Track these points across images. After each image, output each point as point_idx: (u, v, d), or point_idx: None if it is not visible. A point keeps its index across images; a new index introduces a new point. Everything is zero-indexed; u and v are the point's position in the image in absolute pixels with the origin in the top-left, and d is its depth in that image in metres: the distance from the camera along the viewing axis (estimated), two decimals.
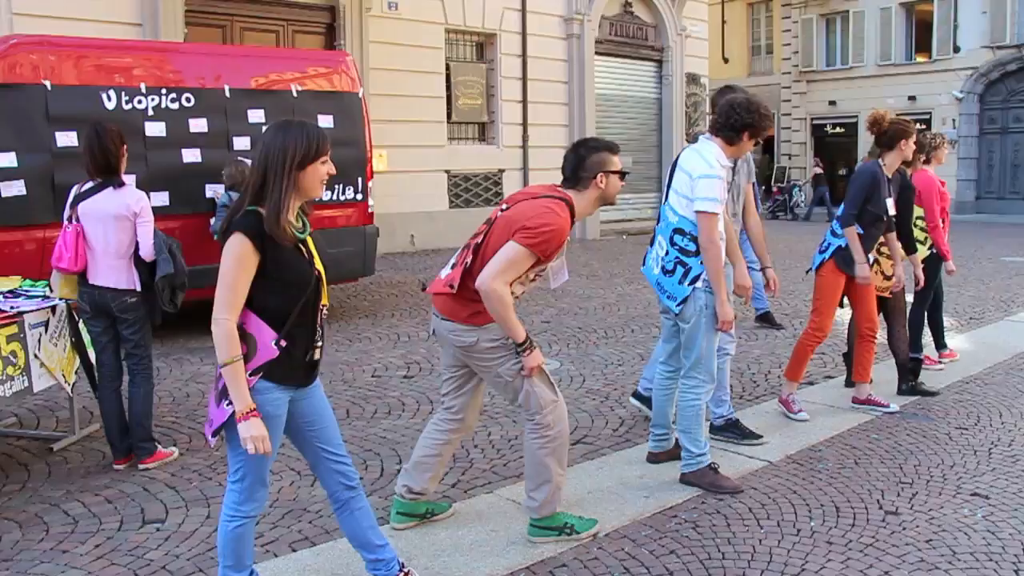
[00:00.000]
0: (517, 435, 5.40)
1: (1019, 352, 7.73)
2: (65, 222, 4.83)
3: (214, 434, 2.94)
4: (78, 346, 5.10)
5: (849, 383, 6.38)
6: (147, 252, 4.78)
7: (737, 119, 4.50)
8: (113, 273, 4.76)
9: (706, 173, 4.37)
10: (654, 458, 4.89)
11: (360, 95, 9.42)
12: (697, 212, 4.36)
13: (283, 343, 2.89)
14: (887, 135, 5.79)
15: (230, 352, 2.81)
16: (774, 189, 27.86)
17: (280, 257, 2.88)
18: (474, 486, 4.60)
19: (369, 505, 3.27)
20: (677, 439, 4.72)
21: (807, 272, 5.86)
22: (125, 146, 4.89)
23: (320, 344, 3.08)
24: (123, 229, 4.74)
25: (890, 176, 5.83)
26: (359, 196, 9.21)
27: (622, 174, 3.84)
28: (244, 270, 2.83)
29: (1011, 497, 4.44)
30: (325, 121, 8.58)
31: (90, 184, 4.82)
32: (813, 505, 4.32)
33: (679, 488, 4.52)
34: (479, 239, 3.69)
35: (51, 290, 5.06)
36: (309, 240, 3.06)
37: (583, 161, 3.78)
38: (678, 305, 4.46)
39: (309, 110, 8.56)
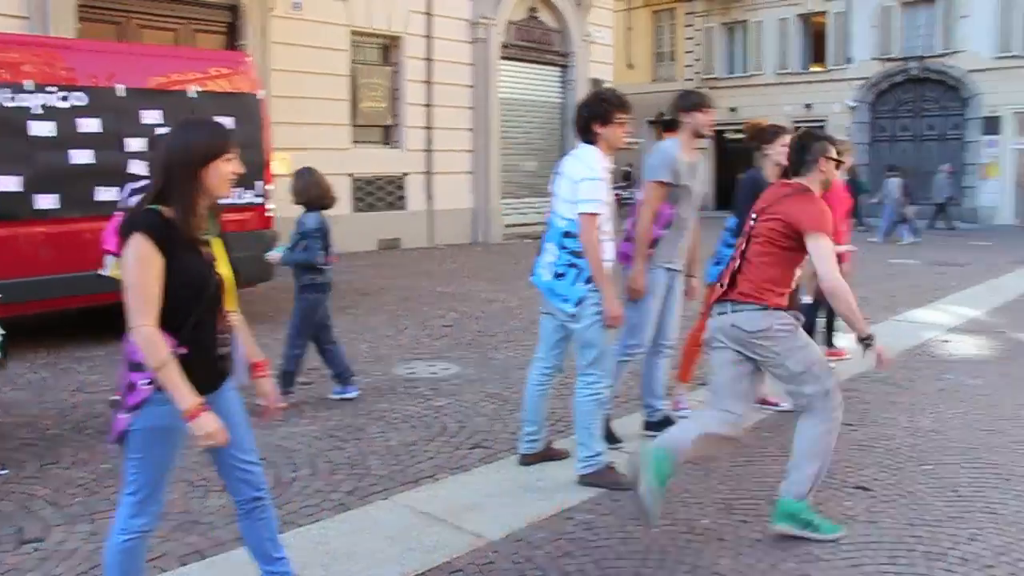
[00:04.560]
0: (416, 440, 5.38)
1: (901, 350, 8.05)
2: None
3: (116, 442, 2.84)
4: None
5: None
6: None
7: (582, 118, 4.63)
8: None
9: (587, 176, 4.47)
10: (525, 460, 4.89)
11: (260, 97, 9.26)
12: (579, 214, 4.44)
13: (183, 350, 2.77)
14: (759, 142, 5.93)
15: (157, 356, 2.68)
16: None
17: (181, 259, 2.75)
18: (371, 492, 4.55)
19: (273, 515, 3.20)
20: (550, 441, 4.76)
21: (706, 285, 5.95)
22: None
23: (226, 349, 2.98)
24: None
25: (773, 181, 5.94)
26: (257, 199, 9.06)
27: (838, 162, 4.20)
28: (150, 270, 2.69)
29: (890, 488, 4.62)
30: (224, 123, 8.39)
31: None
32: (706, 503, 4.42)
33: (577, 490, 4.56)
34: (742, 248, 4.07)
35: None
36: (217, 243, 2.96)
37: (808, 148, 4.08)
38: (574, 306, 4.51)
39: (207, 111, 8.35)
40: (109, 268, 5.76)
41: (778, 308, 3.97)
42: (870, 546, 3.93)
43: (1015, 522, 4.21)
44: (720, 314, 4.06)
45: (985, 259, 16.21)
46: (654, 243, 5.14)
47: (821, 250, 3.84)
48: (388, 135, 17.32)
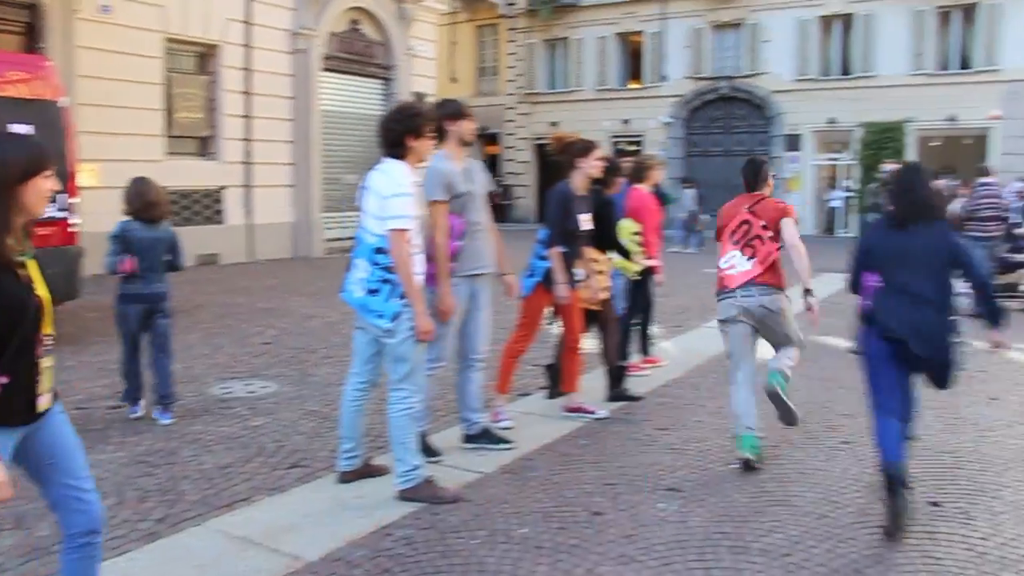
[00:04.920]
0: (231, 462, 5.20)
1: (713, 355, 8.43)
2: None
3: None
4: None
5: (552, 395, 6.66)
6: None
7: (395, 132, 4.58)
8: None
9: (396, 192, 4.45)
10: (344, 478, 4.83)
11: (62, 104, 8.75)
12: (390, 230, 4.42)
13: (3, 379, 2.56)
14: (571, 155, 6.04)
15: None
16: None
17: None
18: (183, 519, 4.36)
19: (100, 556, 2.98)
20: (369, 457, 4.73)
21: (519, 299, 6.04)
22: None
23: (42, 377, 2.73)
24: None
25: (581, 193, 6.11)
26: (60, 214, 8.54)
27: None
28: None
29: (700, 488, 4.83)
30: (21, 132, 7.86)
31: None
32: (524, 512, 4.47)
33: (396, 505, 4.52)
34: (748, 238, 5.33)
35: None
36: (32, 264, 2.74)
37: (760, 170, 5.47)
38: (390, 322, 4.48)
39: (2, 118, 7.81)
40: None
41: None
42: (681, 544, 4.09)
43: (809, 512, 4.49)
44: (746, 296, 5.23)
45: (789, 267, 17.17)
46: (453, 257, 5.14)
47: (792, 226, 5.34)
48: (205, 146, 16.72)
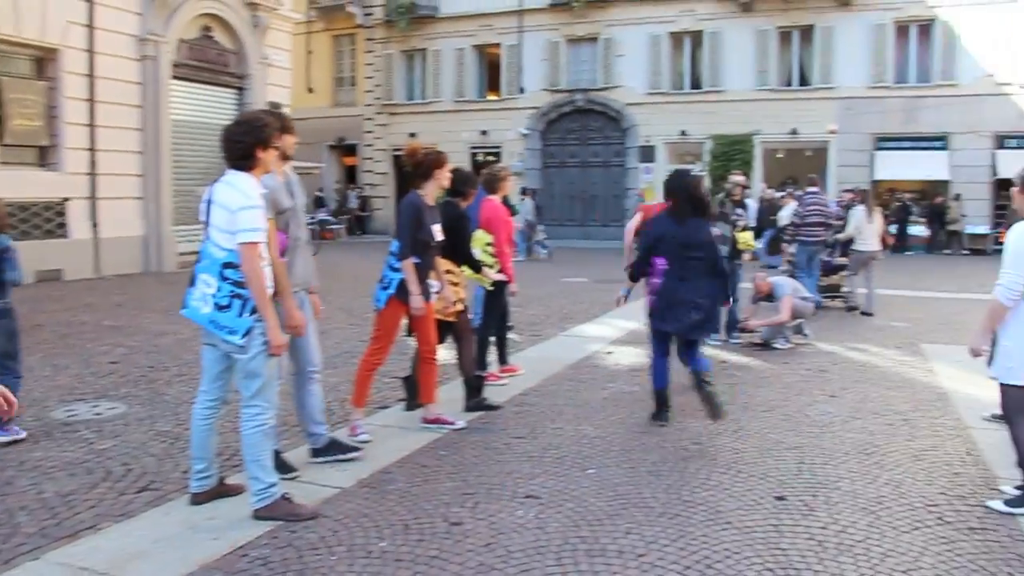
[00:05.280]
0: (75, 489, 4.95)
1: (569, 363, 8.63)
2: None
3: None
4: None
5: (410, 407, 6.66)
6: None
7: (244, 144, 4.47)
8: None
9: (245, 205, 4.35)
10: (197, 499, 4.69)
11: None
12: (241, 244, 4.33)
13: None
14: (423, 166, 6.07)
15: None
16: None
17: None
18: (19, 554, 4.10)
19: None
20: (221, 476, 4.62)
21: (375, 310, 6.00)
22: None
23: None
24: None
25: (432, 204, 6.13)
26: None
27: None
28: None
29: (558, 494, 4.91)
30: None
31: None
32: (383, 526, 4.45)
33: (251, 525, 4.41)
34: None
35: None
36: None
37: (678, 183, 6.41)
38: (242, 338, 4.37)
39: None
40: None
41: None
42: (539, 551, 4.15)
43: (663, 513, 4.64)
44: None
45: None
46: None
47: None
48: (44, 156, 15.87)
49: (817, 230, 12.43)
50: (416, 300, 5.80)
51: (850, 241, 12.87)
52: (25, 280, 6.31)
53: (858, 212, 12.58)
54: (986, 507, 4.79)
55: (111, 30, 16.60)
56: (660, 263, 6.30)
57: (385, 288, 5.92)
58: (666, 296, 6.26)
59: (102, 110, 16.45)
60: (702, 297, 6.21)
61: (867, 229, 12.40)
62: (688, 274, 6.20)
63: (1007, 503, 4.78)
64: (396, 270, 5.88)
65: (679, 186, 6.40)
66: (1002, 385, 4.81)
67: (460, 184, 6.85)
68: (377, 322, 6.01)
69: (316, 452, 5.42)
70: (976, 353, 4.92)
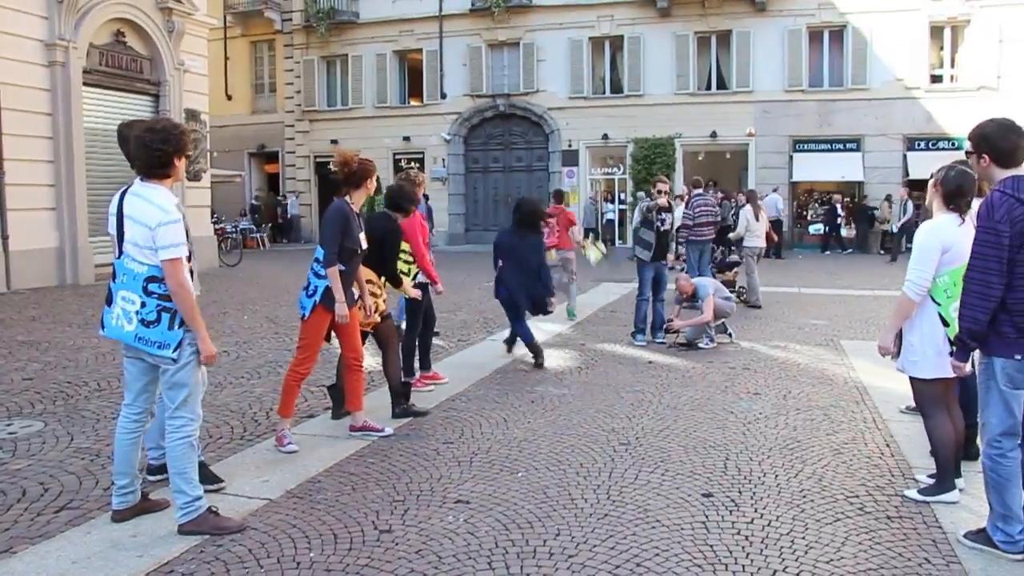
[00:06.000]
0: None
1: (496, 368, 8.64)
2: None
3: None
4: None
5: (336, 415, 6.61)
6: None
7: (162, 152, 4.32)
8: None
9: (164, 220, 4.22)
10: (120, 516, 4.55)
11: None
12: (164, 261, 4.23)
13: None
14: (356, 175, 6.03)
15: None
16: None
17: None
18: None
19: None
20: (144, 492, 4.51)
21: (302, 319, 5.92)
22: None
23: None
24: None
25: (358, 212, 6.10)
26: None
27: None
28: None
29: (488, 499, 4.91)
30: None
31: None
32: (312, 536, 4.38)
33: (176, 540, 4.30)
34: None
35: None
36: None
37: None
38: (174, 351, 4.28)
39: None
40: None
41: None
42: (471, 556, 4.13)
43: (592, 514, 4.66)
44: None
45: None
46: None
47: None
48: None
49: (706, 229, 13.25)
50: (341, 308, 5.75)
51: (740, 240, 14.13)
52: None
53: (746, 211, 13.88)
54: (903, 496, 4.95)
55: (16, 34, 15.99)
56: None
57: (311, 296, 5.85)
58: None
59: (9, 117, 15.85)
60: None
61: (755, 227, 13.71)
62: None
63: (921, 491, 4.94)
64: (321, 277, 5.82)
65: (522, 206, 9.26)
66: (911, 379, 4.97)
67: (403, 200, 6.88)
68: (303, 331, 5.93)
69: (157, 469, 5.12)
70: (885, 351, 5.07)
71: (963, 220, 4.72)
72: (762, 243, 13.94)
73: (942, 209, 4.82)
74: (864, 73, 26.36)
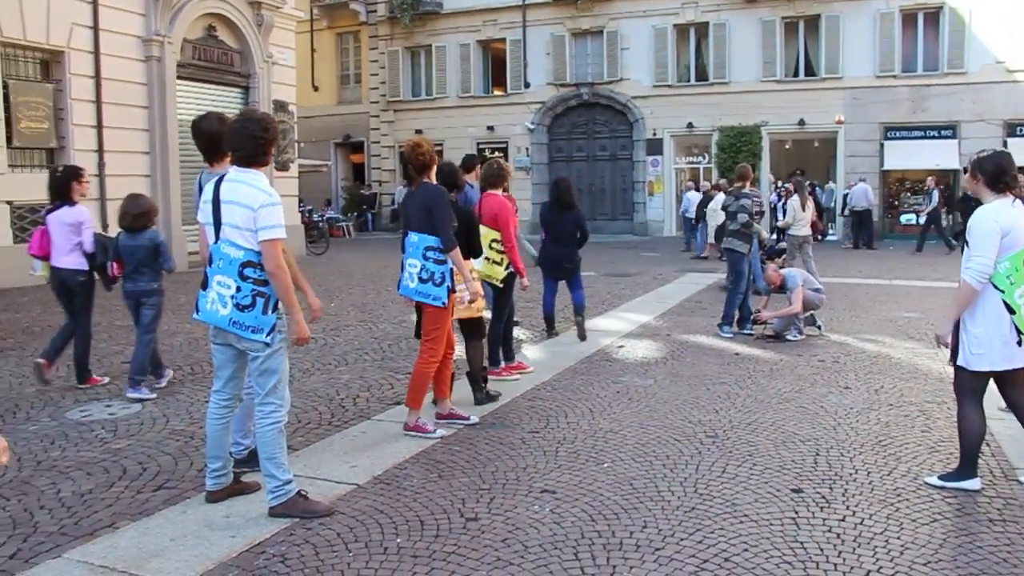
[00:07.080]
0: (92, 488, 4.96)
1: (582, 357, 8.60)
2: None
3: None
4: None
5: (478, 401, 6.72)
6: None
7: (258, 142, 4.43)
8: None
9: (266, 202, 4.33)
10: (213, 497, 4.68)
11: None
12: (264, 241, 4.31)
13: None
14: (427, 160, 6.01)
15: None
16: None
17: None
18: (39, 552, 4.11)
19: None
20: (236, 474, 4.62)
21: (439, 308, 5.95)
22: None
23: None
24: None
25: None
26: None
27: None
28: None
29: (573, 489, 4.90)
30: None
31: None
32: (399, 522, 4.44)
33: (268, 522, 4.41)
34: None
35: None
36: None
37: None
38: (267, 335, 4.37)
39: None
40: (38, 270, 7.80)
41: None
42: (557, 546, 4.13)
43: (679, 507, 4.62)
44: None
45: (652, 269, 17.74)
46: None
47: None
48: (53, 158, 15.88)
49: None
50: (473, 286, 5.86)
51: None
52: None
53: (793, 201, 14.34)
54: (940, 487, 4.87)
55: (116, 31, 16.62)
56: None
57: (439, 284, 5.79)
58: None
59: (109, 111, 16.49)
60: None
61: (801, 217, 14.10)
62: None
63: (941, 477, 4.94)
64: (441, 263, 5.81)
65: (557, 186, 9.79)
66: (960, 369, 4.81)
67: (453, 177, 6.76)
68: (438, 320, 5.90)
69: (237, 463, 5.11)
70: (943, 343, 4.92)
71: (1015, 199, 4.62)
72: (807, 231, 14.35)
73: (990, 195, 4.71)
74: (961, 56, 25.39)
